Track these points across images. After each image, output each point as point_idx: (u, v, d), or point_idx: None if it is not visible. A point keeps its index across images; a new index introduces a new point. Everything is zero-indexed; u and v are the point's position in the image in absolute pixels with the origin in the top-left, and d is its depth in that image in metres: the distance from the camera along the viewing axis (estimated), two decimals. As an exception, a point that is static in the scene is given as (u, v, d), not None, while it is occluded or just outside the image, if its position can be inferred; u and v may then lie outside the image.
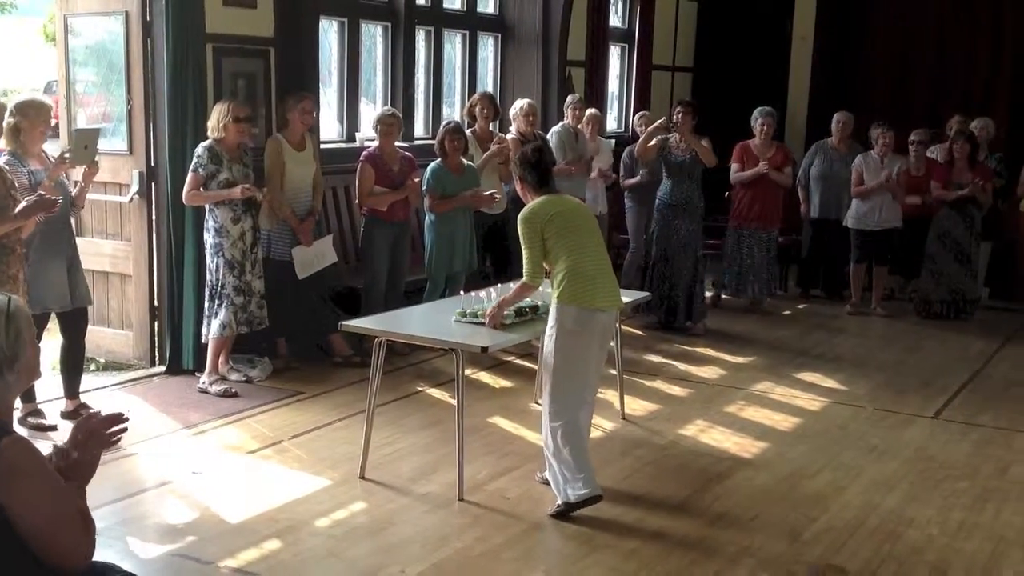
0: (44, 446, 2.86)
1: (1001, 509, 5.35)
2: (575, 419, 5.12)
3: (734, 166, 9.43)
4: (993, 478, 5.79)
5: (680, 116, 8.60)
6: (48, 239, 5.89)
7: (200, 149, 6.71)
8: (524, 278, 5.18)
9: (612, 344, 6.27)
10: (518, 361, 7.81)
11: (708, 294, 9.62)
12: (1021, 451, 6.25)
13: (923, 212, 9.66)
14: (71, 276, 6.07)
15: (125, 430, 2.95)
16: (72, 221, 6.31)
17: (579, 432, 5.14)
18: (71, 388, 6.24)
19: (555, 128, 9.32)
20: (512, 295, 5.36)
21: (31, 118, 5.81)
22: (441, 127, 8.09)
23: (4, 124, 5.82)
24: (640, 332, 8.86)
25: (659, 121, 8.76)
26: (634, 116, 10.07)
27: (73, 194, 6.10)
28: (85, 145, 5.96)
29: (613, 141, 9.98)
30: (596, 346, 5.14)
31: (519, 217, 5.20)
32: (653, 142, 8.64)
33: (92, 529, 2.79)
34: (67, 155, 5.88)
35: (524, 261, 5.17)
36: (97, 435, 2.88)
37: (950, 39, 11.82)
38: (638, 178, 9.53)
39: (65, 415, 6.17)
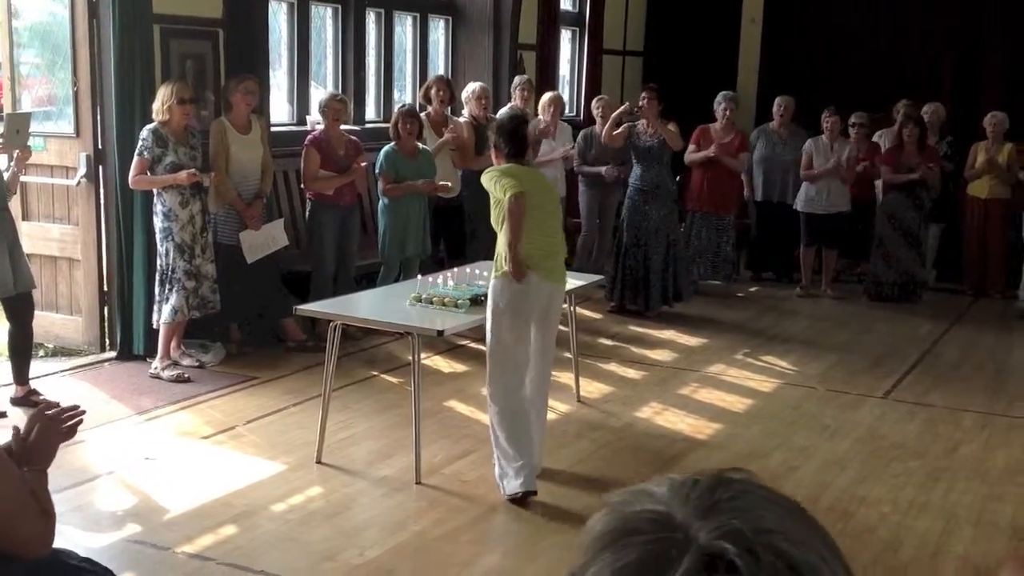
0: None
1: (951, 487, 5.44)
2: (513, 404, 5.05)
3: (690, 147, 9.48)
4: (943, 457, 5.89)
5: (646, 101, 8.57)
6: None
7: (145, 132, 6.61)
8: (508, 193, 4.90)
9: (565, 328, 6.29)
10: (473, 345, 7.80)
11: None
12: (970, 430, 6.36)
13: (870, 195, 9.77)
14: (13, 261, 5.95)
15: (81, 421, 2.91)
16: (9, 206, 6.18)
17: (517, 418, 5.05)
18: (20, 374, 6.13)
19: (503, 111, 9.27)
20: (513, 221, 4.93)
21: None
22: (395, 110, 8.04)
23: None
24: (594, 315, 8.89)
25: (624, 106, 8.76)
26: (592, 101, 10.04)
27: (6, 179, 5.98)
28: (16, 130, 5.85)
29: (569, 126, 9.97)
30: (533, 325, 5.08)
31: (485, 172, 5.12)
32: (620, 128, 8.63)
33: (51, 515, 2.75)
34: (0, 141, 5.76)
35: (501, 187, 4.94)
36: (53, 425, 2.84)
37: (898, 23, 11.95)
38: (607, 171, 9.45)
39: (15, 401, 6.07)
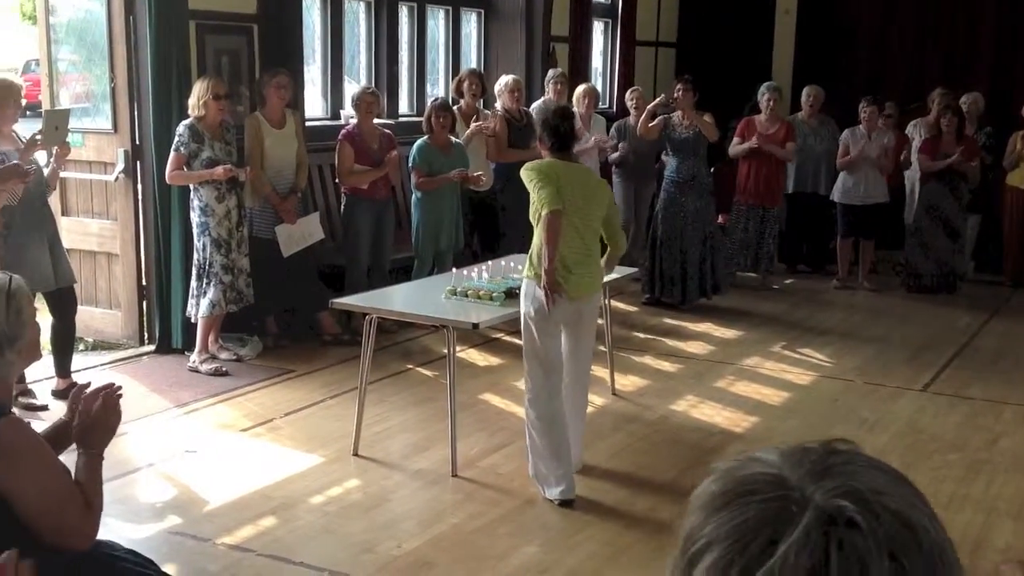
0: (38, 426, 2.84)
1: (992, 480, 5.39)
2: (550, 410, 4.98)
3: (735, 140, 9.43)
4: (983, 450, 5.83)
5: (681, 93, 8.54)
6: (27, 220, 5.85)
7: (181, 128, 6.66)
8: (544, 209, 4.77)
9: (600, 320, 6.28)
10: (507, 338, 7.80)
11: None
12: (1010, 423, 6.30)
13: (897, 183, 9.69)
14: (53, 255, 6.03)
15: (120, 396, 2.92)
16: (49, 201, 6.25)
17: (555, 424, 4.98)
18: (62, 367, 6.21)
19: (536, 103, 9.29)
20: (547, 238, 4.79)
21: (1, 99, 5.75)
22: (428, 104, 8.06)
23: None
24: (629, 308, 8.87)
25: (659, 98, 8.74)
26: (626, 93, 10.00)
27: (46, 175, 6.05)
28: (56, 126, 5.90)
29: (603, 118, 9.94)
30: (564, 332, 5.04)
31: (524, 168, 5.00)
32: (656, 121, 8.60)
33: (96, 509, 2.78)
34: (38, 137, 5.82)
35: (539, 198, 4.81)
36: (110, 405, 2.85)
37: (932, 13, 11.82)
38: (618, 153, 9.50)
39: (56, 394, 6.14)
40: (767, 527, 0.84)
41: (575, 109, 9.28)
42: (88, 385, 2.96)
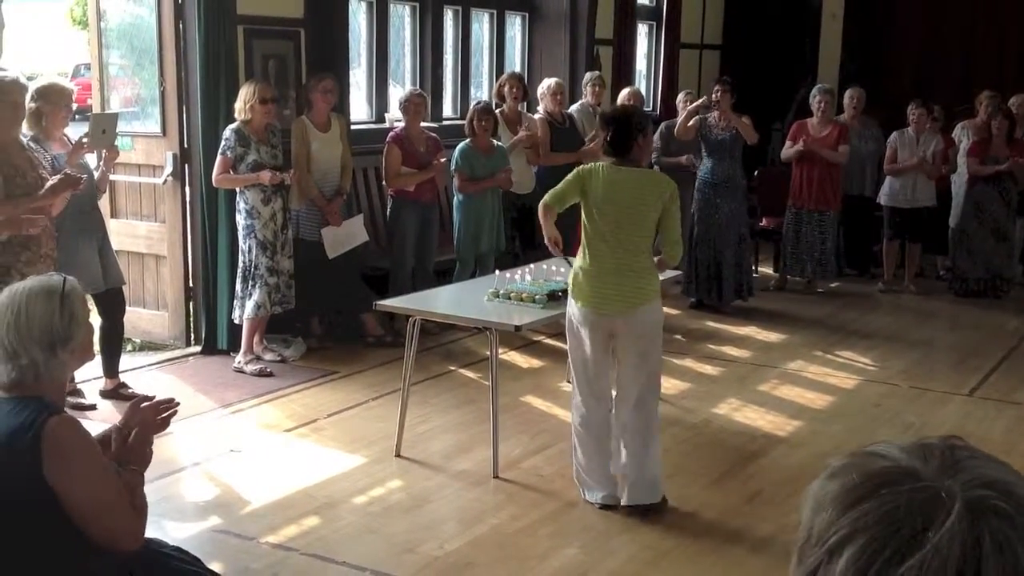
0: (87, 426, 2.90)
1: (1039, 486, 5.32)
2: (584, 417, 4.96)
3: (787, 143, 9.39)
4: (1030, 455, 5.77)
5: (719, 94, 8.53)
6: (78, 222, 5.94)
7: (228, 132, 6.74)
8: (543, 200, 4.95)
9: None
10: (548, 341, 7.82)
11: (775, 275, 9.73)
12: (1058, 428, 6.22)
13: (943, 186, 9.58)
14: (102, 257, 6.13)
15: (175, 413, 2.99)
16: (99, 204, 6.36)
17: (589, 432, 4.95)
18: (110, 367, 6.30)
19: (574, 106, 9.30)
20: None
21: (53, 102, 5.85)
22: (471, 107, 8.10)
23: (26, 108, 5.86)
24: (670, 311, 8.83)
25: (699, 100, 8.72)
26: (679, 95, 9.94)
27: (96, 178, 6.15)
28: (103, 130, 5.98)
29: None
30: (594, 344, 4.85)
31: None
32: (692, 122, 8.60)
33: (143, 512, 2.83)
34: (84, 140, 5.91)
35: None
36: (147, 422, 2.92)
37: (981, 15, 11.70)
38: (684, 160, 9.40)
39: (104, 394, 6.24)
40: (915, 516, 0.86)
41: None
42: (149, 399, 3.00)
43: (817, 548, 0.90)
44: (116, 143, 6.16)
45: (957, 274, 9.69)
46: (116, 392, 6.21)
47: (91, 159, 6.19)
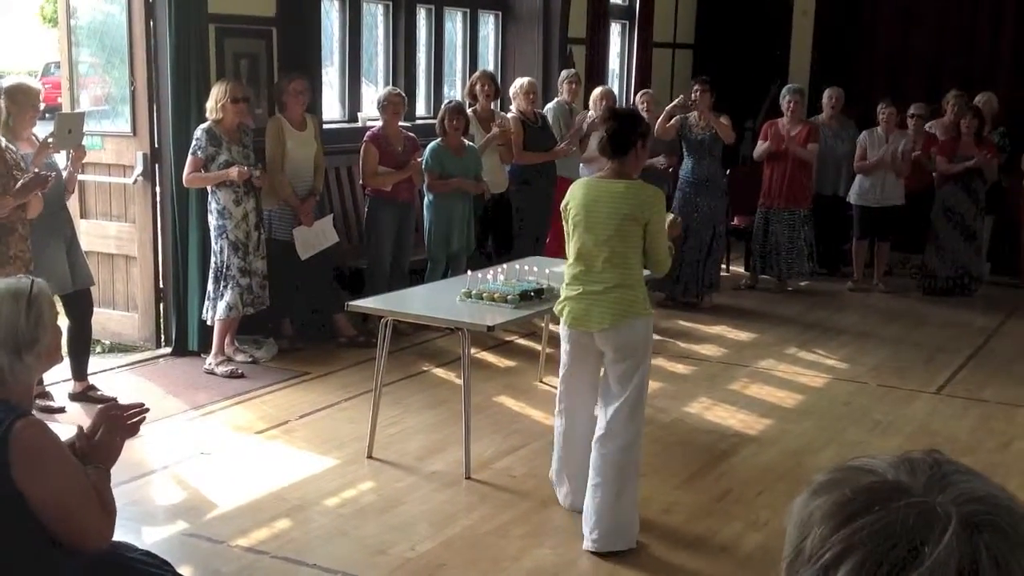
0: (56, 428, 2.89)
1: (1005, 483, 5.17)
2: (561, 421, 4.88)
3: (759, 143, 9.45)
4: (996, 452, 5.83)
5: (698, 94, 8.61)
6: (45, 222, 5.88)
7: (199, 132, 6.71)
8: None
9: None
10: (521, 341, 7.84)
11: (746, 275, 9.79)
12: (1023, 426, 6.29)
13: (924, 187, 9.65)
14: (71, 258, 6.08)
15: (144, 419, 2.98)
16: (68, 205, 6.31)
17: (563, 436, 4.87)
18: (79, 370, 6.26)
19: (550, 104, 9.32)
20: None
21: (20, 103, 5.81)
22: (442, 106, 8.10)
23: None
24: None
25: (677, 99, 8.78)
26: (637, 95, 9.99)
27: (64, 178, 6.10)
28: (68, 129, 5.92)
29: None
30: (570, 357, 4.70)
31: None
32: (672, 121, 8.66)
33: (112, 512, 2.82)
34: (50, 140, 5.87)
35: None
36: (118, 423, 2.91)
37: (951, 15, 11.79)
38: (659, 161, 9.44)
39: (73, 396, 6.20)
40: (911, 532, 0.87)
41: (591, 111, 9.30)
42: (117, 404, 3.00)
43: (811, 565, 0.90)
44: (84, 143, 6.12)
45: (926, 272, 9.77)
46: (85, 395, 6.18)
47: (60, 159, 6.14)
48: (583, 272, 4.55)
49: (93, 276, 6.42)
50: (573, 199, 4.60)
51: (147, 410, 3.00)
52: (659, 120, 8.78)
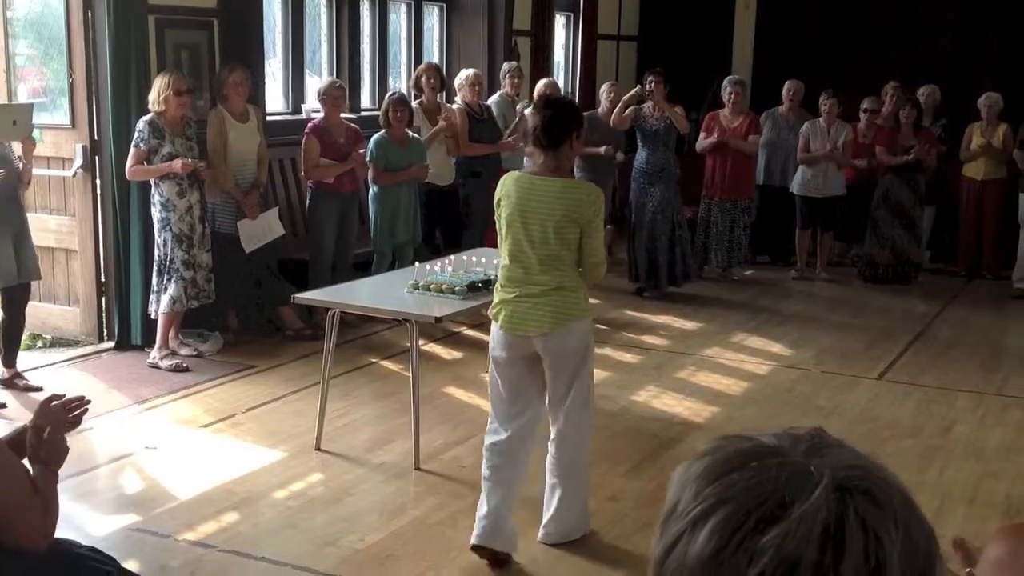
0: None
1: (946, 466, 5.49)
2: (489, 446, 4.43)
3: (701, 135, 9.53)
4: (937, 437, 5.94)
5: (653, 85, 8.70)
6: None
7: (141, 124, 6.63)
8: None
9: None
10: (469, 332, 7.84)
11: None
12: (964, 410, 6.41)
13: (867, 177, 9.79)
14: (18, 251, 6.03)
15: (86, 411, 2.95)
16: (20, 196, 6.22)
17: (488, 462, 4.40)
18: (9, 358, 6.23)
19: (493, 98, 9.32)
20: None
21: None
22: (385, 98, 8.07)
23: None
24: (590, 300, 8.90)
25: (634, 90, 8.85)
26: (603, 87, 9.97)
27: (19, 170, 6.03)
28: (14, 121, 5.85)
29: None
30: (506, 366, 4.35)
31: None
32: (627, 112, 8.73)
33: (53, 511, 2.78)
34: None
35: None
36: (58, 420, 2.87)
37: (889, 7, 11.94)
38: (603, 151, 9.46)
39: (1, 383, 6.18)
40: (782, 488, 0.86)
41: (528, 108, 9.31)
42: (58, 398, 2.94)
43: (682, 518, 0.89)
44: (33, 134, 6.06)
45: (866, 260, 9.92)
46: (12, 382, 6.17)
47: (17, 149, 6.07)
48: (520, 274, 4.25)
49: (40, 271, 6.35)
50: (506, 196, 4.25)
51: (88, 402, 2.96)
52: (615, 111, 8.87)
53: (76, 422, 2.93)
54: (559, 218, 4.14)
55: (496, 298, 4.37)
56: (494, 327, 4.36)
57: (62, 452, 2.87)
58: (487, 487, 4.38)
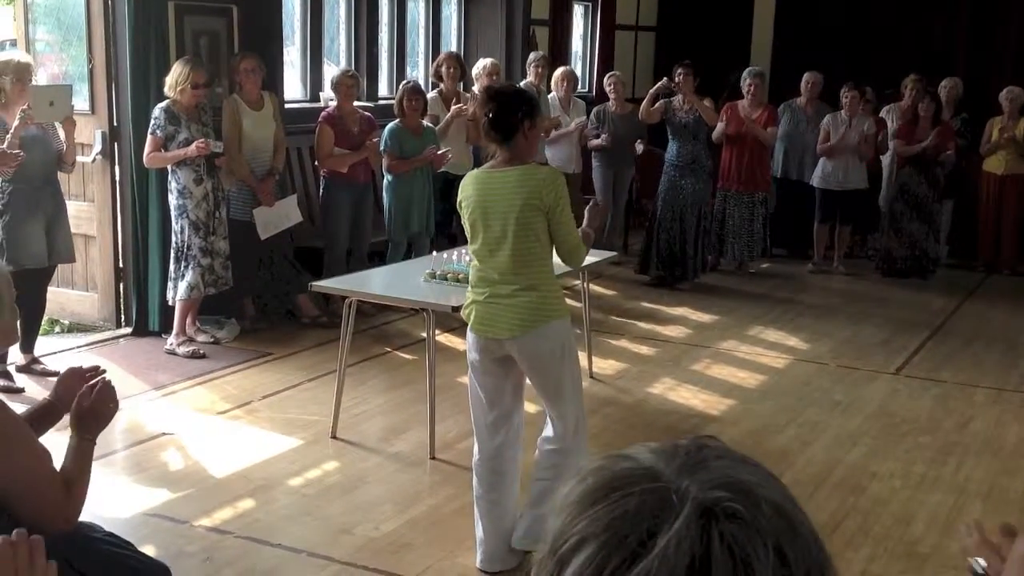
0: (18, 408, 2.85)
1: (962, 463, 5.47)
2: (478, 463, 4.26)
3: (719, 126, 9.49)
4: (954, 432, 5.91)
5: (681, 77, 8.69)
6: (25, 196, 5.95)
7: (157, 111, 6.64)
8: None
9: (577, 303, 6.31)
10: (485, 321, 7.82)
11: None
12: (981, 406, 6.38)
13: (875, 169, 9.75)
14: (51, 235, 6.09)
15: (101, 381, 2.91)
16: (58, 180, 6.29)
17: (480, 482, 4.24)
18: (27, 343, 6.25)
19: (519, 86, 9.29)
20: None
21: (19, 78, 5.85)
22: (400, 87, 8.05)
23: None
24: (606, 291, 8.91)
25: (661, 82, 8.85)
26: (604, 78, 10.00)
27: (63, 151, 6.12)
28: (51, 101, 5.91)
29: (582, 102, 9.97)
30: (481, 370, 4.17)
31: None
32: (657, 105, 8.73)
33: (78, 495, 2.78)
34: (23, 112, 5.82)
35: None
36: (73, 389, 2.86)
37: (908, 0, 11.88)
38: (601, 140, 9.51)
39: (20, 369, 6.21)
40: (644, 521, 0.81)
41: (554, 92, 9.33)
42: (78, 370, 2.94)
43: (550, 558, 0.84)
44: (71, 113, 6.14)
45: (883, 254, 9.87)
46: (30, 368, 6.20)
47: (60, 132, 6.17)
48: (489, 274, 4.05)
49: (75, 254, 6.44)
50: (467, 197, 4.05)
51: (104, 372, 2.94)
52: (643, 103, 8.92)
53: (109, 399, 2.87)
54: (520, 208, 3.93)
55: (468, 298, 4.18)
56: (469, 329, 4.19)
57: (105, 419, 2.85)
58: (479, 510, 4.24)
